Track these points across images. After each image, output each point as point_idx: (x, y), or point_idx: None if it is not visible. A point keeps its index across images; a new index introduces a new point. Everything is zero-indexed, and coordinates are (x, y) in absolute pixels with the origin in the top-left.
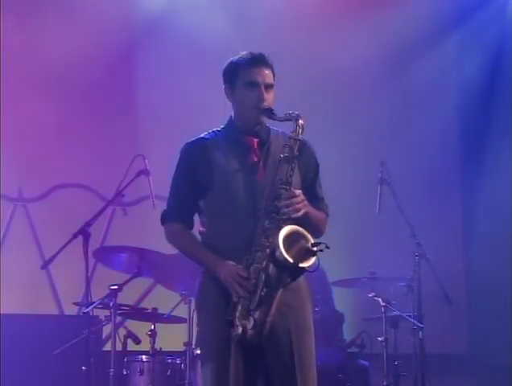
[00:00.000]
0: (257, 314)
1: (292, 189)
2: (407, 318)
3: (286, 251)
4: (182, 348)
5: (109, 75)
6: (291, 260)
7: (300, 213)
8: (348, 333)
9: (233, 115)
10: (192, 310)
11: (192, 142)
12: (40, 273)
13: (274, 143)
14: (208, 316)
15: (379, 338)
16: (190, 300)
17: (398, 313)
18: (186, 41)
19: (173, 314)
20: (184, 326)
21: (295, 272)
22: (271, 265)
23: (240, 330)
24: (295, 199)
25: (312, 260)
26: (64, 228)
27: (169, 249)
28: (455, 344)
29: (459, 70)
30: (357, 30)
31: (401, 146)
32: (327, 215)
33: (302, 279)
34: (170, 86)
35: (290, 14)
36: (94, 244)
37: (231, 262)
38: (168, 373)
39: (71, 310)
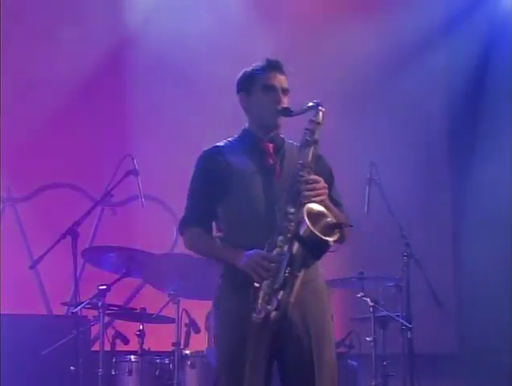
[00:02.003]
0: (280, 295)
1: (312, 174)
2: (396, 318)
3: (312, 226)
4: (170, 348)
5: (97, 75)
6: (317, 233)
7: (322, 198)
8: (336, 333)
9: (247, 124)
10: (180, 310)
11: (208, 149)
12: (29, 272)
13: (289, 151)
14: (223, 315)
15: (368, 339)
16: (178, 300)
17: (386, 313)
18: (178, 43)
19: (161, 314)
20: (173, 326)
21: (319, 248)
22: (296, 244)
23: (263, 313)
24: (317, 184)
25: (337, 235)
26: (53, 228)
27: (158, 249)
28: (443, 344)
29: (448, 70)
30: (348, 36)
31: (390, 146)
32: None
33: (321, 281)
34: (159, 87)
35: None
36: (83, 244)
37: (255, 250)
38: (157, 373)
39: (59, 310)
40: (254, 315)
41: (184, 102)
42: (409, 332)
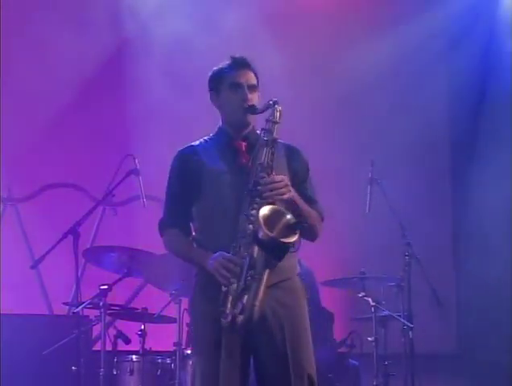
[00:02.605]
0: (245, 299)
1: (274, 173)
2: (397, 317)
3: (269, 230)
4: (172, 348)
5: (99, 75)
6: (272, 235)
7: (285, 197)
8: (338, 333)
9: (221, 122)
10: (181, 310)
11: (183, 149)
12: (30, 272)
13: None
14: (197, 318)
15: (369, 338)
16: (180, 300)
17: (387, 313)
18: (180, 44)
19: (163, 313)
20: (174, 326)
21: (279, 250)
22: (256, 248)
23: (229, 318)
24: (277, 184)
25: (295, 236)
26: (54, 228)
27: (159, 249)
28: (444, 344)
29: (449, 71)
30: (351, 36)
31: (391, 146)
32: (321, 217)
33: (298, 279)
34: (160, 86)
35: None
36: (84, 244)
37: (219, 252)
38: (158, 373)
39: (61, 309)
40: (222, 320)
41: (186, 102)
42: (410, 332)
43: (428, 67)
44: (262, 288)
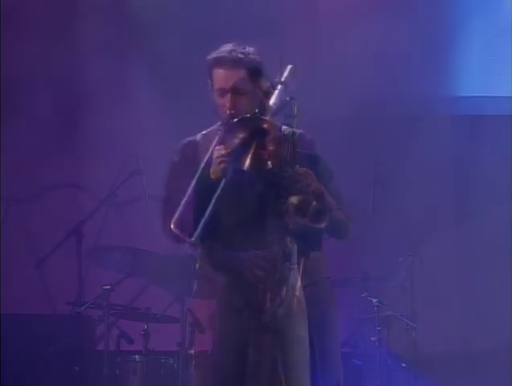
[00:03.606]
0: (283, 291)
1: (297, 167)
2: (400, 317)
3: (299, 218)
4: (175, 348)
5: (101, 75)
6: (303, 223)
7: (310, 188)
8: (341, 333)
9: None
10: (184, 310)
11: None
12: (33, 272)
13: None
14: (223, 332)
15: (372, 338)
16: (183, 300)
17: (391, 313)
18: (182, 44)
19: (166, 313)
20: (177, 325)
21: (312, 237)
22: (288, 239)
23: (270, 312)
24: (301, 176)
25: (325, 221)
26: (58, 228)
27: (162, 249)
28: (448, 344)
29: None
30: (352, 34)
31: (394, 146)
32: (350, 218)
33: (327, 282)
34: (163, 85)
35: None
36: (87, 244)
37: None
38: (161, 373)
39: (64, 309)
40: (264, 316)
41: (189, 102)
42: (413, 332)
43: (434, 67)
44: (299, 277)
